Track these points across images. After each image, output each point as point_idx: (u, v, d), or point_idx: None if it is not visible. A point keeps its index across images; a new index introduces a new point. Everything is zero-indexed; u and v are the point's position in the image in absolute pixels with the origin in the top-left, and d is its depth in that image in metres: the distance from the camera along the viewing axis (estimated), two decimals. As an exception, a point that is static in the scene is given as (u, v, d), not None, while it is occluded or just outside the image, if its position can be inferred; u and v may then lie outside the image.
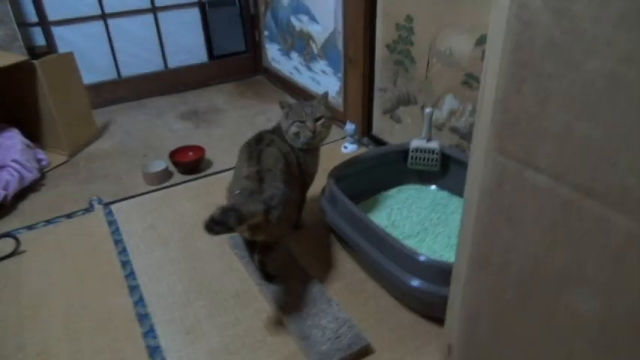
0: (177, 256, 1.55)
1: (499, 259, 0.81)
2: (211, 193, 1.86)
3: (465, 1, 1.48)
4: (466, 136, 1.65)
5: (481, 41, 1.47)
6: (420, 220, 1.59)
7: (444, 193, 1.71)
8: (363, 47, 1.99)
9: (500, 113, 0.72)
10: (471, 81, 1.56)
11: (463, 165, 1.65)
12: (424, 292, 1.22)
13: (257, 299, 1.35)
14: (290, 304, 1.31)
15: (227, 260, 1.51)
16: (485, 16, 1.43)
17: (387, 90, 1.97)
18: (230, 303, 1.34)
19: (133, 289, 1.41)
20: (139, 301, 1.36)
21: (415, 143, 1.66)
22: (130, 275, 1.47)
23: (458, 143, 1.69)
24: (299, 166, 1.42)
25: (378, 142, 2.11)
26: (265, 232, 1.24)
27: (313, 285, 1.38)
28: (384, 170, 1.75)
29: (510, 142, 0.73)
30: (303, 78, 2.58)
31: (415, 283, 1.23)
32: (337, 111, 2.33)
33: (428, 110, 1.60)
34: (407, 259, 1.24)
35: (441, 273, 1.20)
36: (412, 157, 1.68)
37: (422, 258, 1.22)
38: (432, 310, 1.28)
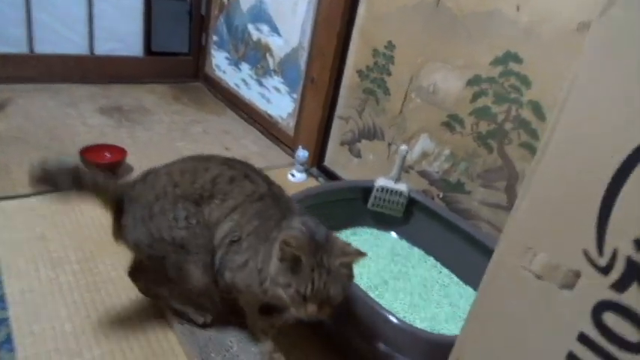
0: (72, 282, 1.18)
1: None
2: (128, 205, 1.50)
3: (460, 35, 1.34)
4: (436, 182, 1.49)
5: (473, 82, 1.33)
6: (378, 271, 1.37)
7: (404, 243, 1.51)
8: (330, 69, 1.79)
9: None
10: (453, 123, 1.40)
11: (429, 214, 1.49)
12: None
13: (175, 354, 1.03)
14: (219, 364, 1.01)
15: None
16: (482, 55, 1.29)
17: (349, 119, 1.78)
18: (138, 355, 1.01)
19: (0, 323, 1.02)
20: (5, 343, 0.98)
21: (381, 182, 1.46)
22: (-1, 302, 1.08)
23: (426, 189, 1.52)
24: None
25: (330, 175, 1.89)
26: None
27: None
28: (339, 207, 1.52)
29: None
30: (251, 93, 2.32)
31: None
32: (286, 135, 2.09)
33: (403, 147, 1.41)
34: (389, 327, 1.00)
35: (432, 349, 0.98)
36: (375, 198, 1.48)
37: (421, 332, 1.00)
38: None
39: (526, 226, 0.66)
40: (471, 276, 1.37)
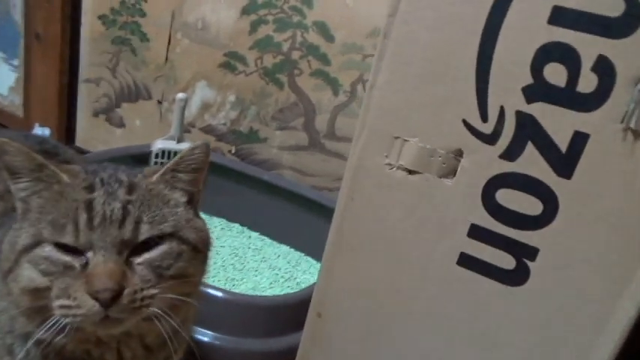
0: None
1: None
2: None
3: (225, -46, 1.14)
4: (225, 136, 1.27)
5: (249, 10, 1.14)
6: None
7: (202, 215, 1.26)
8: (60, 18, 1.37)
9: None
10: (233, 62, 1.20)
11: (222, 174, 1.26)
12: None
13: None
14: None
15: None
16: (253, -24, 1.12)
17: (100, 81, 1.40)
18: None
19: None
20: None
21: (160, 144, 1.17)
22: None
23: (214, 147, 1.29)
24: None
25: (87, 157, 1.48)
26: None
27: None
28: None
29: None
30: (-55, 69, 1.67)
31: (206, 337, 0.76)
32: (13, 116, 1.57)
33: (180, 96, 1.14)
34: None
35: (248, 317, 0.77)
36: (155, 165, 1.18)
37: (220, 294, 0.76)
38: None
39: (387, 109, 0.50)
40: (283, 232, 1.21)
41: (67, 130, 1.50)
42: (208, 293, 0.74)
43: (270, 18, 1.13)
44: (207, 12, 1.20)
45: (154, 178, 0.46)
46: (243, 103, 1.22)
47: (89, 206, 0.41)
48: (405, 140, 0.50)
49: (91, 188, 0.43)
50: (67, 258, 0.40)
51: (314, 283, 0.84)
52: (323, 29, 1.09)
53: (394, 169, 0.51)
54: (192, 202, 0.48)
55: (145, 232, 0.41)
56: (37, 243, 0.41)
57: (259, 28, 1.15)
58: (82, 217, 0.40)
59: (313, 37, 1.10)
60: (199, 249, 0.47)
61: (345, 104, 1.11)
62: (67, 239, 0.40)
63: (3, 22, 1.51)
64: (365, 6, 1.04)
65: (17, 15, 1.47)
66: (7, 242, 0.43)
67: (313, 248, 1.18)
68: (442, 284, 0.52)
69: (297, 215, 1.18)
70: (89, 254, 0.40)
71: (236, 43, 1.18)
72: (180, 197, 0.47)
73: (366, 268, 0.55)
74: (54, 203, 0.42)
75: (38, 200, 0.43)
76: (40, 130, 1.38)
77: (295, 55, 1.13)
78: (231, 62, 1.20)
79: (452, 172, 0.49)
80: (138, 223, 0.41)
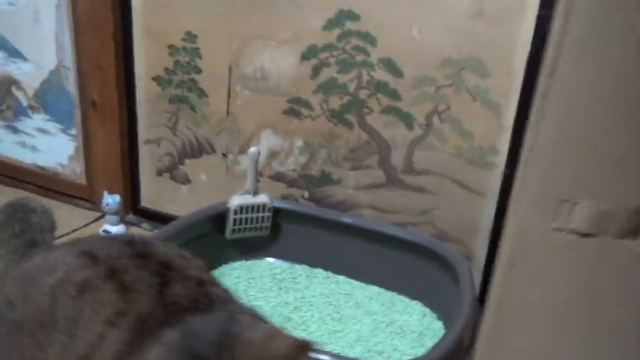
0: None
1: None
2: None
3: (280, 3, 1.13)
4: (296, 182, 1.25)
5: (309, 55, 1.13)
6: (272, 309, 1.08)
7: (284, 264, 1.24)
8: (115, 84, 1.39)
9: None
10: (297, 107, 1.19)
11: (300, 220, 1.24)
12: None
13: None
14: None
15: None
16: (311, 21, 1.10)
17: (161, 141, 1.41)
18: None
19: None
20: None
21: (237, 201, 1.16)
22: None
23: (285, 194, 1.27)
24: None
25: (154, 216, 1.48)
26: None
27: None
28: (189, 252, 1.16)
29: None
30: (4, 146, 1.71)
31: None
32: (75, 185, 1.59)
33: (252, 150, 1.13)
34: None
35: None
36: (235, 222, 1.17)
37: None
38: None
39: (552, 170, 0.47)
40: (369, 272, 1.18)
41: (132, 192, 1.51)
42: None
43: (332, 60, 1.12)
44: (265, 62, 1.19)
45: None
46: (312, 147, 1.21)
47: None
48: (575, 203, 0.47)
49: None
50: None
51: (440, 342, 0.82)
52: (390, 65, 1.07)
53: (564, 232, 0.48)
54: None
55: None
56: None
57: (321, 72, 1.14)
58: None
59: (380, 75, 1.08)
60: None
61: (421, 137, 1.09)
62: None
63: (58, 95, 1.53)
64: (432, 37, 1.02)
65: (71, 86, 1.49)
66: None
67: (404, 286, 1.15)
68: (631, 355, 0.48)
69: (382, 254, 1.15)
70: None
71: (298, 88, 1.17)
72: None
73: (536, 337, 0.52)
74: None
75: None
76: (111, 199, 1.38)
77: (363, 94, 1.11)
78: (295, 108, 1.19)
79: (634, 233, 0.45)
80: None
